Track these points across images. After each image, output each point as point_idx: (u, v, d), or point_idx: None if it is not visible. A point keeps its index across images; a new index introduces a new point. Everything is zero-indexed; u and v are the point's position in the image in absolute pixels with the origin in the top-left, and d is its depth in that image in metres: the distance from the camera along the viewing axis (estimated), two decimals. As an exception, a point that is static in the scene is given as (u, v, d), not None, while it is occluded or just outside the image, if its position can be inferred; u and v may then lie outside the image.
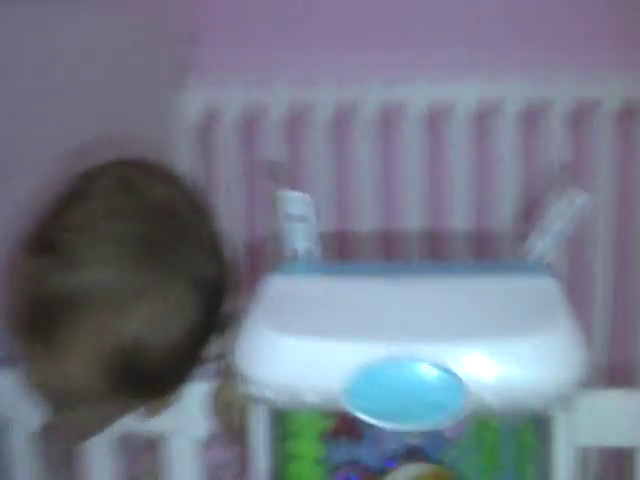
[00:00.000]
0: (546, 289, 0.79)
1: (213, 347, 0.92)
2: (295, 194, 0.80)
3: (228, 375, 0.89)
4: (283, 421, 0.79)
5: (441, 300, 0.79)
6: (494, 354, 0.72)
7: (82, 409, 0.90)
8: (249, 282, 0.85)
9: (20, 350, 0.89)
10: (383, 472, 0.78)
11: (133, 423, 0.91)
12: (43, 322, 0.84)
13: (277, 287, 0.82)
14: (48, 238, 0.86)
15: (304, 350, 0.74)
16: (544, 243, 0.80)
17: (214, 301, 0.90)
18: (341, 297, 0.81)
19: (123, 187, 0.88)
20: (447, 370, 0.72)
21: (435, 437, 0.78)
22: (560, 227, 0.79)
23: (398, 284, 0.82)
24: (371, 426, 0.76)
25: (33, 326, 0.86)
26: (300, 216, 0.81)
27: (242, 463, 0.97)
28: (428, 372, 0.72)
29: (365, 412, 0.73)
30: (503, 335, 0.74)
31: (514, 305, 0.78)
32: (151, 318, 0.85)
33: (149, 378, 0.87)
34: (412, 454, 0.78)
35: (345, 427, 0.79)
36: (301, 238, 0.83)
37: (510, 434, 0.77)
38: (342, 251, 1.48)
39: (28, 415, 0.94)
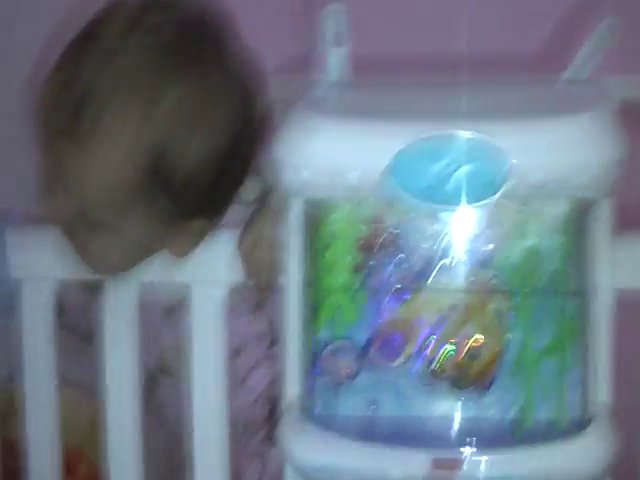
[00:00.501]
0: (587, 89, 0.80)
1: (249, 191, 0.92)
2: (338, 7, 0.80)
3: (258, 217, 0.89)
4: (318, 229, 0.78)
5: (486, 96, 0.79)
6: (539, 130, 0.73)
7: (105, 233, 0.88)
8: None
9: (50, 154, 0.88)
10: (424, 273, 0.77)
11: (155, 275, 0.91)
12: (72, 114, 0.84)
13: (315, 97, 0.82)
14: (82, 33, 0.87)
15: (345, 130, 0.75)
16: (579, 64, 0.81)
17: (249, 122, 0.89)
18: (381, 95, 0.82)
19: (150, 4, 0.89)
20: (491, 143, 0.72)
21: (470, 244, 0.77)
22: (592, 49, 0.81)
23: (437, 87, 0.83)
24: (406, 230, 0.76)
25: (63, 118, 0.85)
26: (338, 36, 0.82)
27: (271, 337, 0.95)
28: (474, 146, 0.72)
29: (407, 189, 0.73)
30: (547, 114, 0.75)
31: (557, 98, 0.79)
32: (181, 106, 0.84)
33: (181, 184, 0.86)
34: (449, 258, 0.77)
35: (378, 234, 0.77)
36: (339, 64, 0.83)
37: (547, 231, 0.76)
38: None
39: (43, 276, 0.94)
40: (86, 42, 0.87)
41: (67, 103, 0.85)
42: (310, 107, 0.78)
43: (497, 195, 0.73)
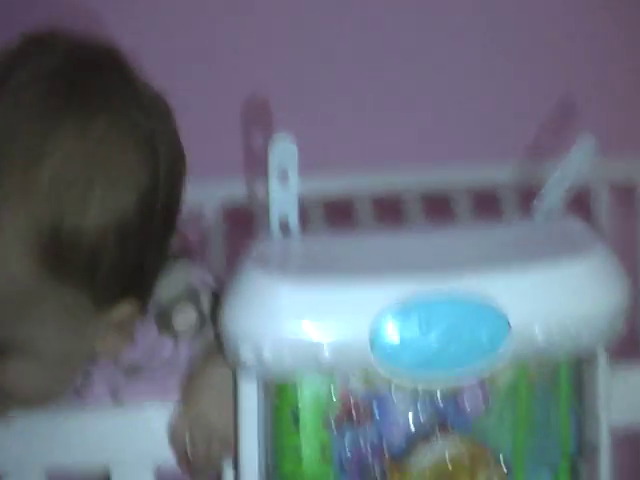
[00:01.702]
0: (573, 226, 0.70)
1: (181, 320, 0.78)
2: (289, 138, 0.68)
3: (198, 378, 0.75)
4: (277, 409, 0.66)
5: (464, 243, 0.69)
6: (540, 281, 0.63)
7: (15, 357, 0.72)
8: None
9: None
10: (406, 454, 0.66)
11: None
12: None
13: (268, 246, 0.69)
14: None
15: (320, 297, 0.62)
16: (553, 193, 0.72)
17: (168, 180, 0.75)
18: (349, 248, 0.70)
19: (31, 42, 0.75)
20: (487, 302, 0.61)
21: (456, 412, 0.67)
22: (567, 174, 0.72)
23: (407, 237, 0.71)
24: (381, 404, 0.65)
25: None
26: (285, 173, 0.70)
27: None
28: (468, 307, 0.61)
29: (389, 362, 0.61)
30: (545, 261, 0.65)
31: (546, 239, 0.69)
32: (72, 162, 0.70)
33: (86, 263, 0.70)
34: (434, 429, 0.66)
35: (349, 412, 0.65)
36: (289, 202, 0.71)
37: (543, 393, 0.67)
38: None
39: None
40: None
41: None
42: (265, 266, 0.65)
43: (495, 361, 0.62)
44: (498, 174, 1.34)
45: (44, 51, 0.74)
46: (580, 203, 1.22)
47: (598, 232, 0.69)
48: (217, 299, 0.75)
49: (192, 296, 0.78)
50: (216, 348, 0.73)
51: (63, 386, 0.77)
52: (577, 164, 0.70)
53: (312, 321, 0.62)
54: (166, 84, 0.78)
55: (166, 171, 0.74)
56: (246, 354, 0.63)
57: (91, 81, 0.73)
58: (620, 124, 1.45)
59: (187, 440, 0.72)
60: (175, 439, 0.72)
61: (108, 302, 0.73)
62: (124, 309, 0.74)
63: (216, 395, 0.72)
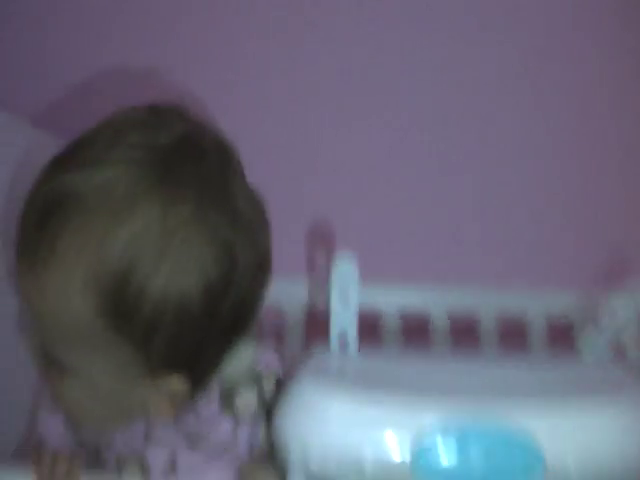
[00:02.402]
0: (614, 371, 0.74)
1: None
2: (350, 256, 0.73)
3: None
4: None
5: (515, 374, 0.73)
6: (575, 421, 0.66)
7: (72, 376, 0.78)
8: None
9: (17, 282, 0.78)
10: None
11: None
12: (32, 232, 0.74)
13: (325, 360, 0.74)
14: (64, 150, 0.78)
15: (358, 412, 0.67)
16: (602, 341, 0.75)
17: (232, 270, 0.77)
18: (400, 368, 0.74)
19: (149, 112, 0.80)
20: (524, 435, 0.65)
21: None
22: (619, 324, 0.75)
23: (462, 361, 0.76)
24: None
25: (23, 238, 0.76)
26: (346, 292, 0.74)
27: None
28: (504, 439, 0.65)
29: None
30: (585, 401, 0.68)
31: (587, 379, 0.72)
32: (149, 235, 0.74)
33: (145, 327, 0.74)
34: None
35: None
36: (348, 318, 0.75)
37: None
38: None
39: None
40: (63, 155, 0.78)
41: (28, 221, 0.76)
42: (318, 377, 0.70)
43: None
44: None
45: (162, 123, 0.78)
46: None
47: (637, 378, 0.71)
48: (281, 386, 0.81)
49: (255, 380, 0.82)
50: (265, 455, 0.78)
51: (112, 421, 0.81)
52: (626, 311, 0.74)
53: (358, 436, 0.66)
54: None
55: (241, 278, 0.78)
56: (294, 460, 0.67)
57: (191, 168, 0.77)
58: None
59: None
60: None
61: (160, 370, 0.77)
62: (174, 382, 0.78)
63: None
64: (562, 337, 1.34)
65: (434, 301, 1.34)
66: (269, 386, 0.82)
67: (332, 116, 1.45)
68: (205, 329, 0.77)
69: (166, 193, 0.75)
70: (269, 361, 0.84)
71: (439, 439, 0.65)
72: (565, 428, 0.66)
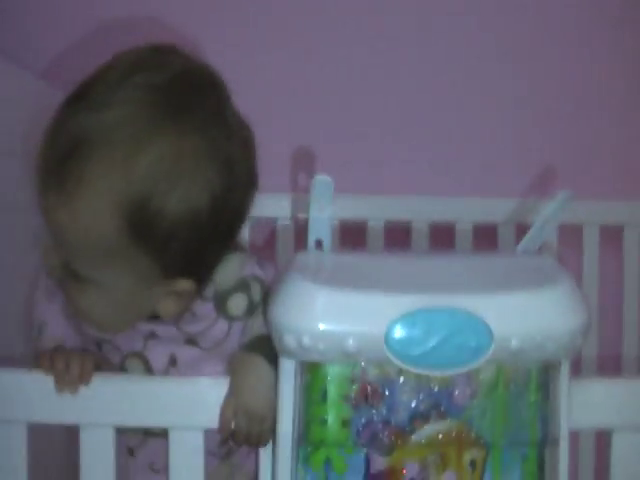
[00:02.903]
0: (545, 261, 0.90)
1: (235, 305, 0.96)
2: (327, 179, 0.87)
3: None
4: (309, 386, 0.85)
5: (461, 268, 0.89)
6: (516, 303, 0.83)
7: (91, 287, 0.90)
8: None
9: (40, 206, 0.89)
10: (408, 429, 0.84)
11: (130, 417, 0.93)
12: (59, 163, 0.86)
13: (307, 258, 0.89)
14: (74, 92, 0.89)
15: (347, 301, 0.82)
16: (534, 234, 0.91)
17: (231, 186, 0.90)
18: (371, 264, 0.90)
19: (152, 51, 0.92)
20: (479, 317, 0.81)
21: (449, 401, 0.85)
22: (546, 218, 0.91)
23: (415, 259, 0.92)
24: (392, 388, 0.83)
25: (50, 169, 0.87)
26: (327, 203, 0.89)
27: None
28: (461, 319, 0.81)
29: (399, 357, 0.80)
30: (523, 288, 0.84)
31: (524, 270, 0.89)
32: (164, 161, 0.86)
33: (162, 241, 0.88)
34: (431, 413, 0.85)
35: (366, 392, 0.84)
36: (324, 228, 0.90)
37: (518, 391, 0.85)
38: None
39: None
40: (78, 95, 0.89)
41: (54, 154, 0.87)
42: (305, 274, 0.84)
43: (480, 361, 0.81)
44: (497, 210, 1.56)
45: (163, 62, 0.90)
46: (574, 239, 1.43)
47: (565, 266, 0.87)
48: (264, 289, 0.96)
49: (244, 286, 0.97)
50: (256, 347, 0.92)
51: (125, 322, 0.95)
52: (555, 213, 0.89)
53: (341, 319, 0.82)
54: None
55: (237, 189, 0.92)
56: (289, 341, 0.82)
57: (193, 101, 0.89)
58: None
59: (233, 422, 0.90)
60: (223, 420, 0.90)
61: (172, 275, 0.91)
62: (184, 284, 0.92)
63: (255, 387, 0.90)
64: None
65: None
66: (256, 292, 0.97)
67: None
68: (210, 236, 0.90)
69: (175, 122, 0.87)
70: (254, 270, 0.98)
71: (407, 321, 0.80)
72: (508, 311, 0.83)
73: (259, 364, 0.91)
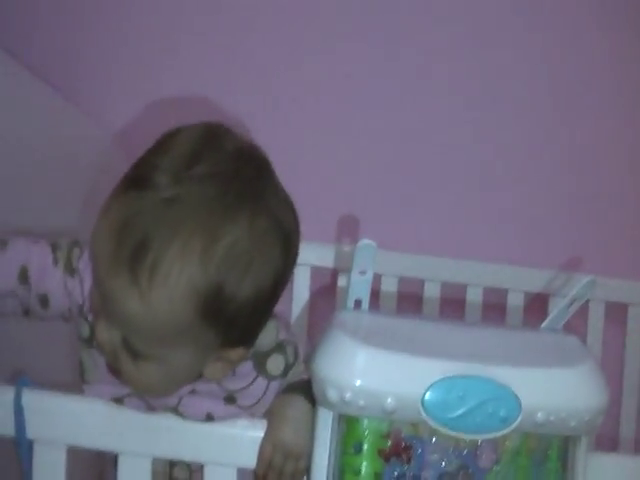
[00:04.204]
0: (570, 340, 0.97)
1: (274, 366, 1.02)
2: (371, 243, 0.95)
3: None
4: (345, 437, 0.91)
5: (492, 338, 0.96)
6: (546, 379, 0.91)
7: (149, 362, 0.94)
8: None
9: (101, 287, 0.92)
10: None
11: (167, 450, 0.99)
12: (131, 257, 0.89)
13: (347, 317, 0.96)
14: (137, 176, 0.92)
15: (388, 361, 0.89)
16: (559, 314, 0.99)
17: (290, 260, 0.95)
18: (406, 327, 0.97)
19: (206, 135, 0.95)
20: (510, 388, 0.88)
21: (475, 463, 0.92)
22: (569, 301, 0.98)
23: (450, 325, 0.99)
24: (424, 447, 0.90)
25: (119, 260, 0.89)
26: (368, 266, 0.96)
27: None
28: (494, 389, 0.88)
29: (435, 418, 0.87)
30: (551, 365, 0.92)
31: (552, 347, 0.96)
32: (235, 255, 0.90)
33: (230, 320, 0.92)
34: (459, 474, 0.91)
35: (399, 448, 0.91)
36: (364, 289, 0.97)
37: (539, 459, 0.92)
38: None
39: (56, 439, 1.00)
40: (141, 184, 0.91)
41: (124, 246, 0.89)
42: (347, 332, 0.92)
43: (508, 430, 0.88)
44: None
45: (219, 147, 0.94)
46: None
47: (588, 347, 0.95)
48: (296, 351, 1.03)
49: (281, 348, 1.03)
50: (294, 389, 0.98)
51: (175, 389, 0.99)
52: (580, 297, 0.97)
53: (381, 378, 0.89)
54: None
55: (293, 262, 0.97)
56: (331, 395, 0.89)
57: (254, 184, 0.94)
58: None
59: (269, 459, 0.96)
60: (261, 456, 0.97)
61: (230, 345, 0.96)
62: (238, 352, 0.97)
63: (293, 425, 0.97)
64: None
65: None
66: (291, 353, 1.03)
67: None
68: (269, 309, 0.97)
69: (244, 208, 0.92)
70: (288, 334, 1.04)
71: (443, 386, 0.87)
72: (537, 386, 0.90)
73: (298, 402, 0.97)
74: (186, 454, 1.01)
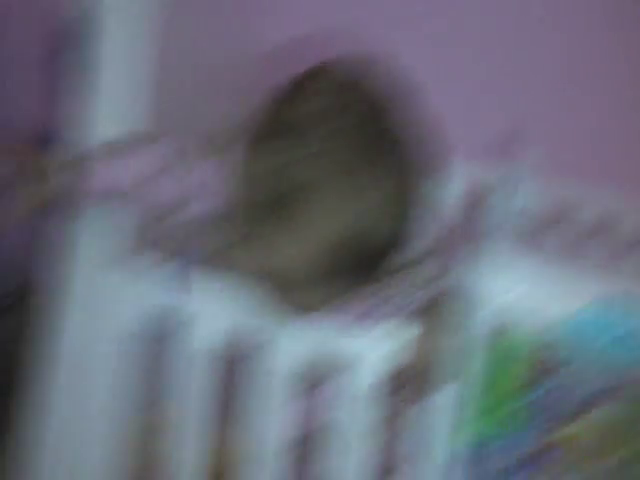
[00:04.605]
0: None
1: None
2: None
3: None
4: (498, 346, 0.93)
5: None
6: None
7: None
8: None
9: (249, 234, 0.98)
10: (586, 407, 0.92)
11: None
12: (278, 206, 0.96)
13: (508, 231, 0.97)
14: (288, 123, 0.98)
15: (544, 276, 0.91)
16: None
17: (423, 201, 1.00)
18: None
19: (344, 82, 0.99)
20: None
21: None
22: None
23: None
24: (576, 366, 0.90)
25: (268, 209, 0.96)
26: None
27: None
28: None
29: (590, 340, 0.88)
30: None
31: None
32: (379, 194, 0.96)
33: (368, 262, 0.98)
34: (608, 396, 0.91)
35: (552, 364, 0.92)
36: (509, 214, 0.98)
37: None
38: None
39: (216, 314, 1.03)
40: (288, 134, 0.98)
41: (272, 194, 0.96)
42: (509, 245, 0.92)
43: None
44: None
45: (356, 96, 0.99)
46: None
47: None
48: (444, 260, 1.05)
49: (428, 258, 1.06)
50: (446, 295, 1.00)
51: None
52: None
53: (536, 295, 0.90)
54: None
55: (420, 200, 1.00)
56: (488, 304, 0.90)
57: (392, 132, 0.99)
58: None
59: (414, 365, 0.99)
60: (407, 363, 1.00)
61: (364, 284, 1.01)
62: (369, 288, 1.01)
63: (445, 330, 0.99)
64: None
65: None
66: (437, 260, 1.06)
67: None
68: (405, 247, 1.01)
69: (380, 160, 0.97)
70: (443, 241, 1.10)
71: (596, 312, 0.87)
72: None
73: (450, 309, 1.00)
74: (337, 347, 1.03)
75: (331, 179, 0.96)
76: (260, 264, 0.99)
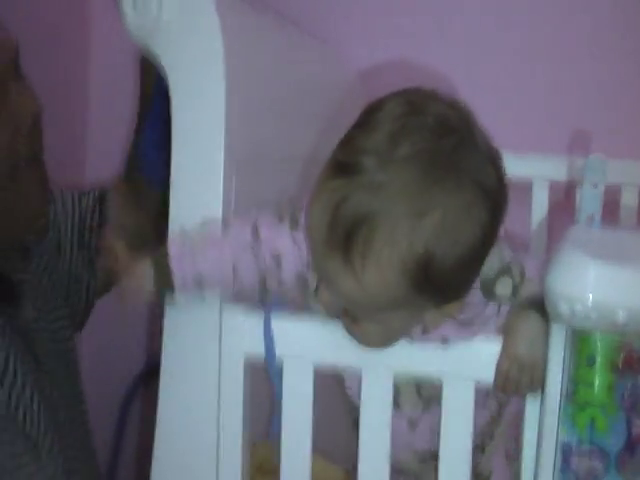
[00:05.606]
0: None
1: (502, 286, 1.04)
2: (600, 158, 0.95)
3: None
4: (579, 351, 0.93)
5: None
6: None
7: (368, 324, 1.01)
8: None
9: (319, 263, 0.98)
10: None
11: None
12: (344, 240, 0.93)
13: (580, 233, 0.98)
14: (345, 161, 0.95)
15: (620, 275, 0.90)
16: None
17: (496, 213, 0.97)
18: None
19: (407, 110, 0.96)
20: None
21: None
22: None
23: None
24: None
25: (333, 243, 0.94)
26: (600, 181, 0.96)
27: None
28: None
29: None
30: None
31: None
32: (442, 228, 0.93)
33: (441, 284, 0.96)
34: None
35: (632, 360, 0.92)
36: (596, 203, 0.98)
37: None
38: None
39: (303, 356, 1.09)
40: (349, 169, 0.95)
41: (336, 233, 0.94)
42: (580, 248, 0.93)
43: None
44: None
45: (421, 122, 0.96)
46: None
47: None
48: (522, 270, 1.05)
49: (506, 271, 1.05)
50: (528, 304, 1.01)
51: (393, 343, 1.05)
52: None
53: (612, 292, 0.90)
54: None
55: (502, 213, 0.99)
56: (563, 309, 0.91)
57: (459, 153, 0.95)
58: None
59: (506, 372, 1.01)
60: (498, 371, 1.02)
61: (445, 303, 1.01)
62: (455, 305, 1.02)
63: (528, 339, 1.01)
64: None
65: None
66: (516, 272, 1.05)
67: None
68: (479, 265, 1.00)
69: (449, 181, 0.94)
70: (510, 254, 1.06)
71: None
72: None
73: (532, 317, 1.01)
74: (425, 370, 1.05)
75: (395, 206, 0.93)
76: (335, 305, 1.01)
